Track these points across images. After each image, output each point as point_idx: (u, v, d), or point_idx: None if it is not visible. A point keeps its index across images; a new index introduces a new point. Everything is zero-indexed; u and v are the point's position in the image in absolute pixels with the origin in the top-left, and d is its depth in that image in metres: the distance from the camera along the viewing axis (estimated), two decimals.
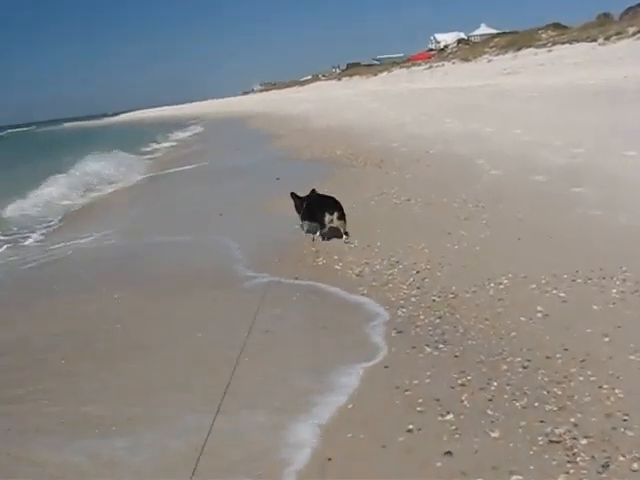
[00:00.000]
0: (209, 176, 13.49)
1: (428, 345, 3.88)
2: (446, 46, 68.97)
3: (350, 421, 3.18)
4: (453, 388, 3.35)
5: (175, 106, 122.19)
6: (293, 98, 52.52)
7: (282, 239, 6.86)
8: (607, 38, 30.33)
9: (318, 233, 6.53)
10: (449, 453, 2.81)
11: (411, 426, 3.05)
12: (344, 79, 73.88)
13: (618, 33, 29.60)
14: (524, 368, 3.45)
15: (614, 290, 4.29)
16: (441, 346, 3.85)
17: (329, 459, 2.89)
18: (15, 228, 10.44)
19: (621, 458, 2.62)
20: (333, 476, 2.78)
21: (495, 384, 3.33)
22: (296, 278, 5.48)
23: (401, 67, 61.09)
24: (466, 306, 4.40)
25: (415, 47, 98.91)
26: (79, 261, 7.48)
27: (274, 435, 3.12)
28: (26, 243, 9.22)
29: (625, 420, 2.87)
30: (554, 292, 4.42)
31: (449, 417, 3.08)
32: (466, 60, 49.10)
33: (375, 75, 64.35)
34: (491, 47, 49.60)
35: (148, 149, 25.78)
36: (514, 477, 2.60)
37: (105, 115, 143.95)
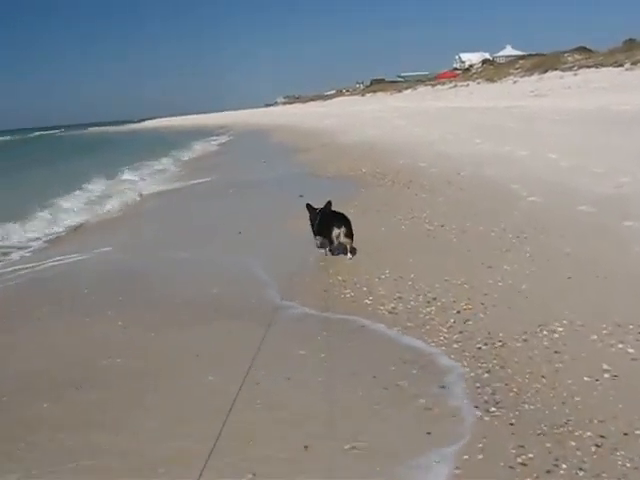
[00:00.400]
0: (232, 189, 12.87)
1: (477, 407, 3.31)
2: (471, 66, 68.77)
3: None
4: (513, 468, 2.77)
5: (197, 115, 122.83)
6: (317, 112, 52.19)
7: (305, 263, 6.37)
8: (634, 63, 29.71)
9: (328, 248, 6.45)
10: None
11: None
12: (368, 95, 73.91)
13: None
14: (597, 447, 2.86)
15: None
16: (493, 409, 3.26)
17: None
18: None
19: None
20: None
21: (564, 467, 2.74)
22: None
23: (426, 85, 60.90)
24: (518, 358, 3.82)
25: (440, 66, 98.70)
26: (84, 277, 6.94)
27: None
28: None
29: None
30: (620, 346, 3.82)
31: None
32: (491, 80, 48.69)
33: (399, 92, 64.26)
34: (516, 68, 49.19)
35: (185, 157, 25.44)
36: None
37: (130, 121, 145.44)
